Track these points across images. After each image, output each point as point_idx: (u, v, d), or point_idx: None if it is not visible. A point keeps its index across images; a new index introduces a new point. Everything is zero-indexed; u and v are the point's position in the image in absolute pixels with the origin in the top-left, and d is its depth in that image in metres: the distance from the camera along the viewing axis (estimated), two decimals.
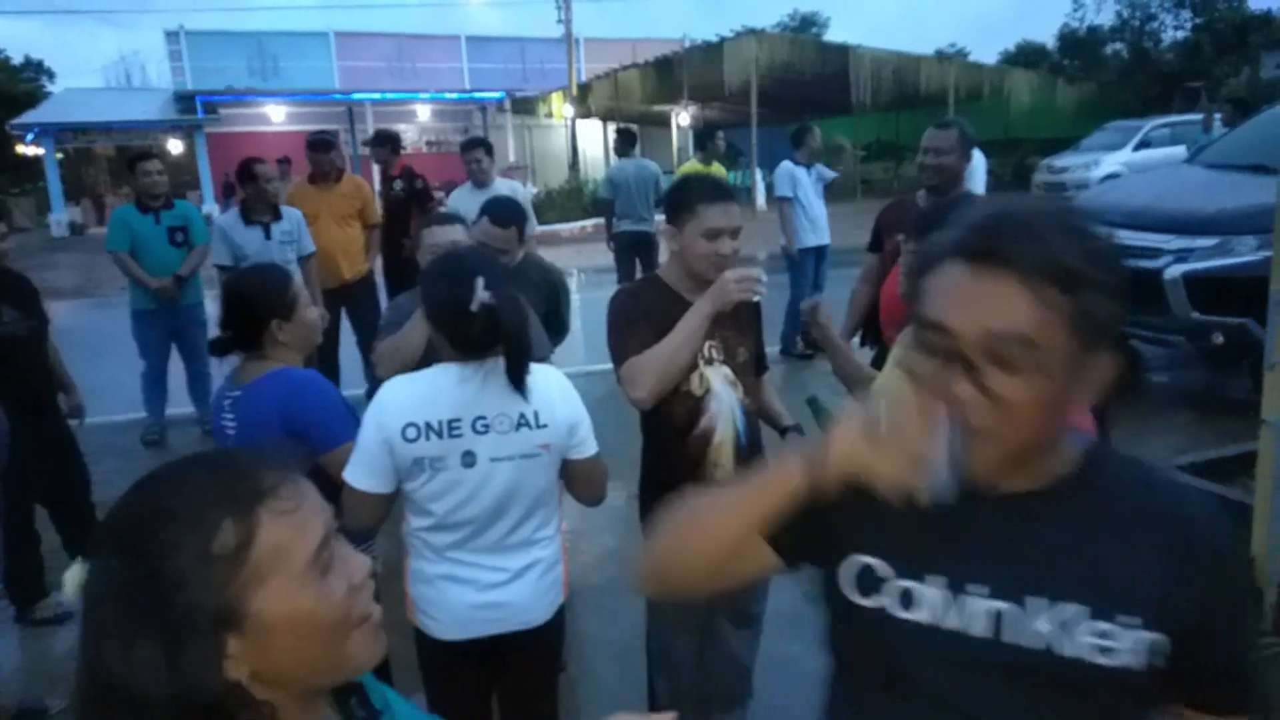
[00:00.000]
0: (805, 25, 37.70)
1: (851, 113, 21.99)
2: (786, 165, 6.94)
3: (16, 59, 33.22)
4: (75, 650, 0.76)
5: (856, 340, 3.87)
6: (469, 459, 1.84)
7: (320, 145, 5.86)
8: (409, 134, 26.29)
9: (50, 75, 34.99)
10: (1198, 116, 14.77)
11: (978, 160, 6.27)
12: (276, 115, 24.31)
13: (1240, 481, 3.38)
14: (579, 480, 2.02)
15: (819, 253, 7.04)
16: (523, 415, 1.87)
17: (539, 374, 1.91)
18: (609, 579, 3.59)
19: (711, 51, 17.34)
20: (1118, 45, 26.50)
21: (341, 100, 24.73)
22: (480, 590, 1.91)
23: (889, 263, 3.35)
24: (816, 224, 6.96)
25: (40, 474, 3.48)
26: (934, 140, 3.29)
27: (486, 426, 1.85)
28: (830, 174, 7.36)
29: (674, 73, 18.86)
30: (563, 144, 23.67)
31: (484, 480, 1.86)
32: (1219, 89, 20.94)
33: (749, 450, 2.26)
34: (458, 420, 1.84)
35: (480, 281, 1.80)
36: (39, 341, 3.53)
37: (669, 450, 2.23)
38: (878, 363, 3.36)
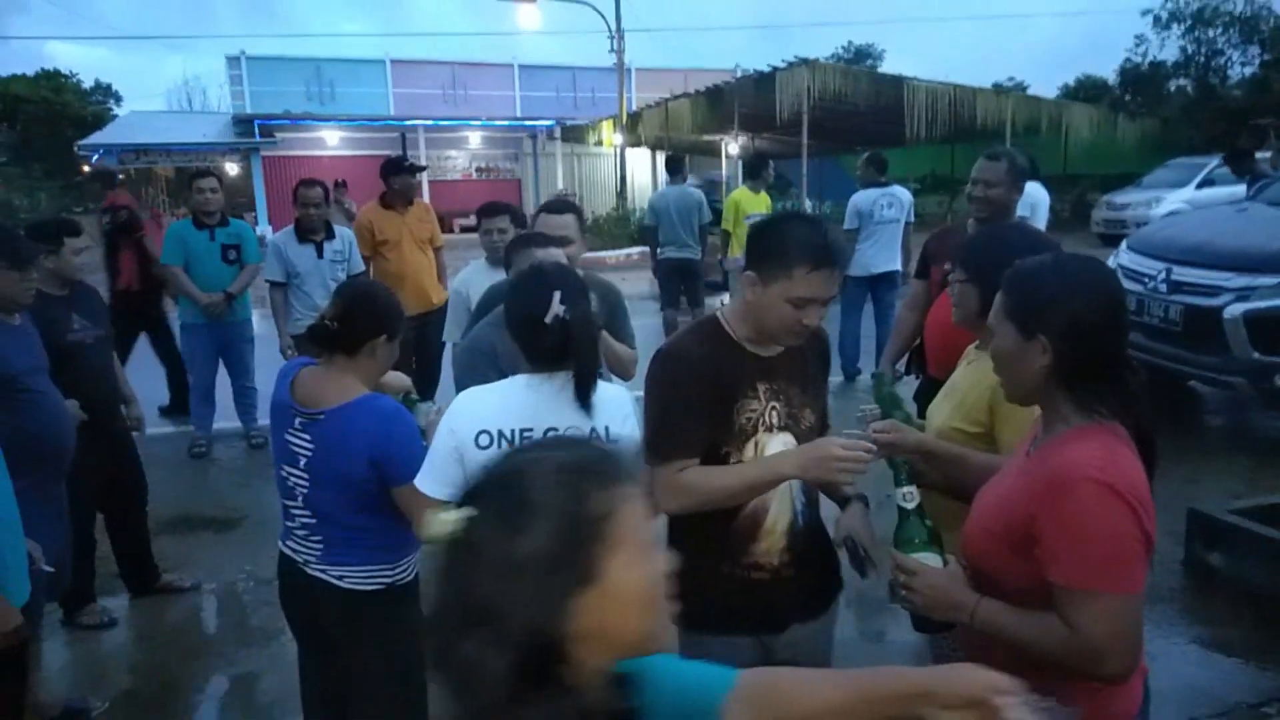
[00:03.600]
0: (860, 57, 37.69)
1: (905, 145, 21.84)
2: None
3: (87, 83, 34.68)
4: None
5: (901, 366, 3.81)
6: None
7: (407, 169, 5.83)
8: (459, 160, 26.74)
9: (118, 98, 36.49)
10: (1265, 154, 14.39)
11: (1040, 195, 6.18)
12: (332, 140, 24.89)
13: None
14: None
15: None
16: (593, 430, 1.91)
17: (608, 392, 1.96)
18: None
19: (763, 81, 17.35)
20: (1182, 81, 26.00)
21: (395, 126, 25.23)
22: None
23: (935, 291, 3.30)
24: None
25: (100, 478, 3.59)
26: (983, 172, 3.24)
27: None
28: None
29: (725, 102, 18.92)
30: (611, 172, 23.86)
31: None
32: None
33: (805, 534, 1.95)
34: (529, 430, 1.88)
35: (557, 295, 1.85)
36: (105, 351, 3.70)
37: (706, 533, 1.89)
38: (921, 395, 3.30)
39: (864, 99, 17.33)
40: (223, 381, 5.83)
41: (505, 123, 26.72)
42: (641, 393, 1.97)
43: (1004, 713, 0.98)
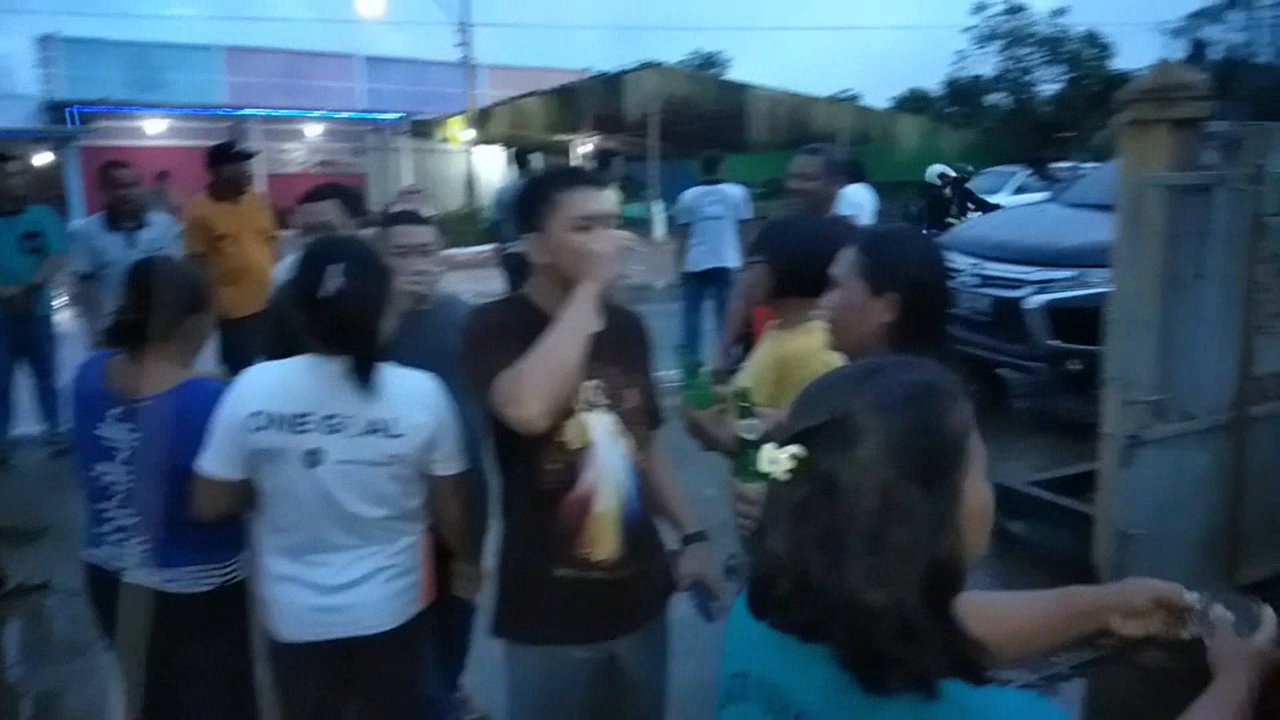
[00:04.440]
0: (708, 64, 38.55)
1: (749, 150, 22.57)
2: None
3: None
4: None
5: (737, 352, 3.94)
6: (313, 458, 1.78)
7: (236, 155, 5.34)
8: (298, 153, 25.56)
9: None
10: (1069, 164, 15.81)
11: (865, 197, 6.59)
12: (157, 129, 23.31)
13: (1087, 496, 3.56)
14: (437, 498, 1.96)
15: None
16: (377, 420, 1.81)
17: (406, 378, 1.86)
18: None
19: (613, 83, 17.54)
20: (999, 95, 28.08)
21: (228, 115, 23.88)
22: (323, 593, 1.85)
23: None
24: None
25: None
26: (801, 166, 3.41)
27: (338, 426, 1.79)
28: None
29: (576, 102, 18.98)
30: (461, 169, 23.46)
31: (328, 481, 1.79)
32: (1090, 139, 22.40)
33: (638, 527, 1.83)
34: (305, 415, 1.78)
35: (335, 270, 1.75)
36: None
37: (533, 523, 1.79)
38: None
39: (710, 104, 17.84)
40: (24, 383, 5.35)
41: (349, 115, 25.77)
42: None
43: (1188, 612, 1.10)
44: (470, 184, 21.99)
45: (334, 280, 1.75)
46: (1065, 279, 5.42)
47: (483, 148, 23.14)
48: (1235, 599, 1.11)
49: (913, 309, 1.60)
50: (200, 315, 2.12)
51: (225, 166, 5.27)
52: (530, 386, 1.60)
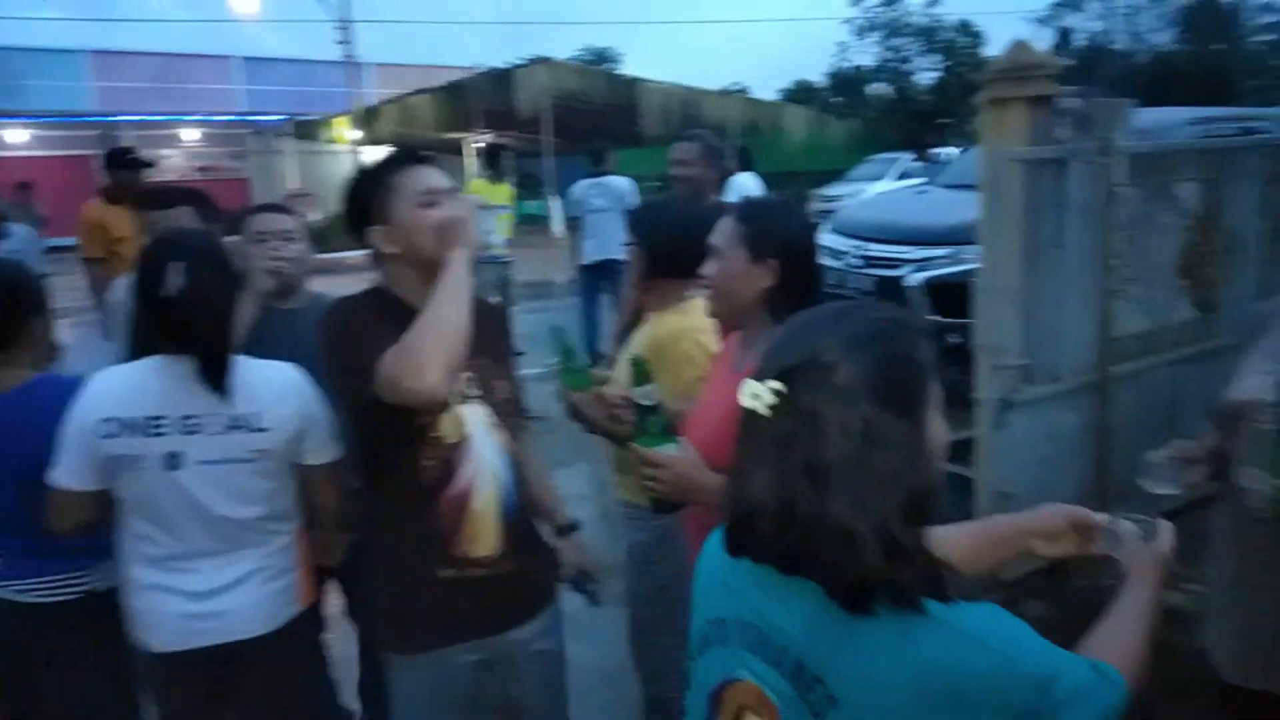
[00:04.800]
0: (600, 60, 38.58)
1: (644, 144, 22.72)
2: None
3: None
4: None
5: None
6: (174, 460, 1.71)
7: (129, 163, 5.28)
8: (175, 159, 24.44)
9: None
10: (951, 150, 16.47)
11: (751, 186, 6.78)
12: (18, 139, 21.95)
13: (968, 460, 3.71)
14: (311, 488, 1.91)
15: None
16: (239, 417, 1.75)
17: (262, 371, 1.80)
18: None
19: (502, 78, 17.39)
20: (881, 85, 28.99)
21: (97, 122, 22.67)
22: (193, 600, 1.77)
23: None
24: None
25: None
26: (680, 152, 3.45)
27: (197, 426, 1.72)
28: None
29: (465, 99, 18.71)
30: (348, 171, 22.86)
31: (191, 484, 1.72)
32: (967, 125, 23.35)
33: (517, 520, 1.80)
34: (159, 418, 1.70)
35: (175, 267, 1.67)
36: None
37: (409, 526, 1.70)
38: None
39: (601, 98, 17.88)
40: None
41: (228, 118, 24.79)
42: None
43: (1097, 530, 1.23)
44: None
45: (175, 279, 1.68)
46: (942, 256, 5.63)
47: (370, 148, 22.61)
48: (1136, 516, 1.24)
49: (790, 274, 1.68)
50: (43, 317, 1.99)
51: (120, 172, 5.24)
52: (426, 355, 1.52)
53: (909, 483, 0.92)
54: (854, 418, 0.91)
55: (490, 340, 1.81)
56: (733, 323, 1.79)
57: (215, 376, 1.71)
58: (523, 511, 1.83)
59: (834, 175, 20.85)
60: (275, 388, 1.80)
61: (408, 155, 1.77)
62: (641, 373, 1.70)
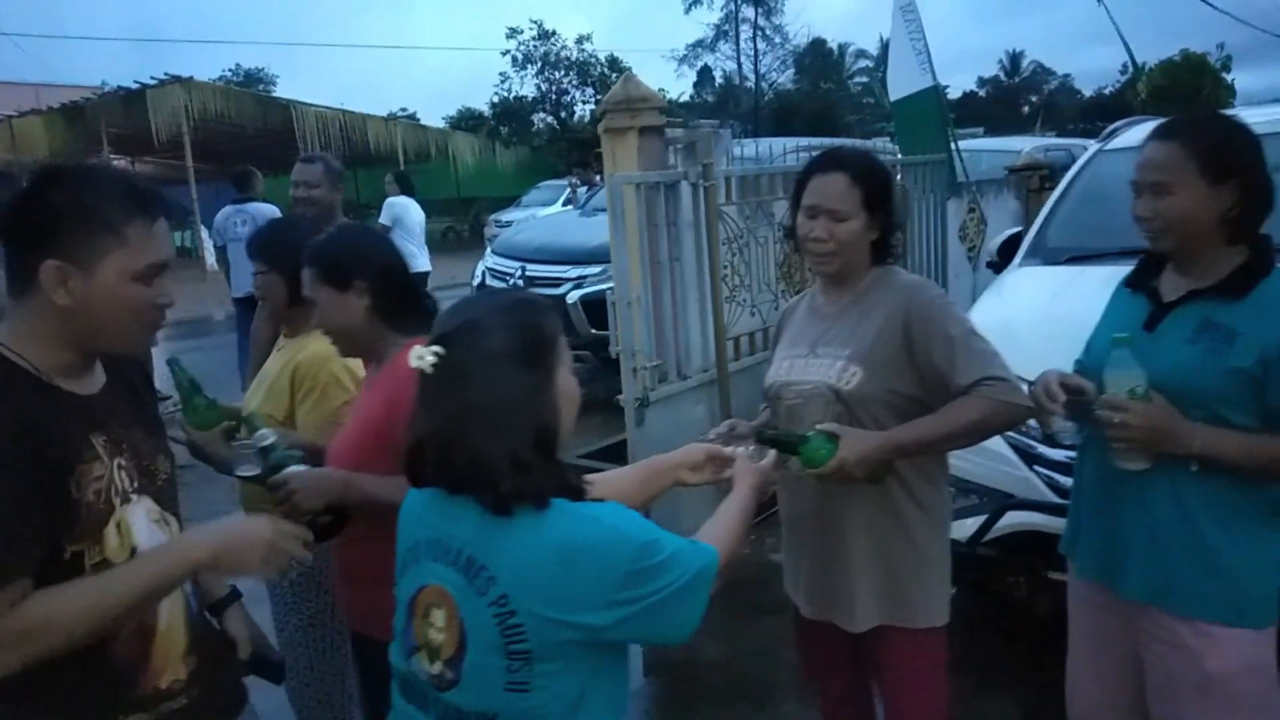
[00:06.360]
0: (251, 81, 36.13)
1: None
2: None
3: None
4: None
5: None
6: None
7: None
8: None
9: None
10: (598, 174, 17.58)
11: (407, 208, 6.89)
12: None
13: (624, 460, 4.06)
14: None
15: None
16: None
17: None
18: None
19: (133, 99, 15.77)
20: (544, 115, 30.13)
21: None
22: None
23: None
24: None
25: None
26: (301, 174, 3.44)
27: None
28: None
29: (89, 120, 16.75)
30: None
31: None
32: None
33: (203, 626, 1.50)
34: None
35: None
36: None
37: (82, 669, 1.26)
38: None
39: (251, 121, 16.86)
40: None
41: None
42: None
43: (730, 459, 1.62)
44: None
45: None
46: (595, 274, 6.07)
47: None
48: (754, 450, 1.69)
49: (384, 288, 1.82)
50: None
51: None
52: (30, 649, 1.16)
53: (537, 420, 1.20)
54: (490, 369, 1.19)
55: (138, 407, 1.45)
56: (357, 353, 1.97)
57: None
58: (204, 615, 1.54)
59: (508, 200, 21.37)
60: None
61: (142, 198, 1.32)
62: (253, 425, 1.79)
